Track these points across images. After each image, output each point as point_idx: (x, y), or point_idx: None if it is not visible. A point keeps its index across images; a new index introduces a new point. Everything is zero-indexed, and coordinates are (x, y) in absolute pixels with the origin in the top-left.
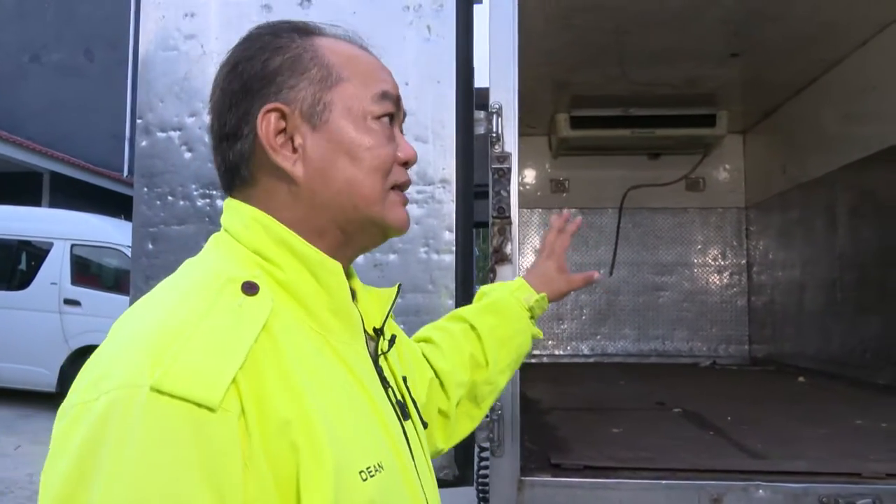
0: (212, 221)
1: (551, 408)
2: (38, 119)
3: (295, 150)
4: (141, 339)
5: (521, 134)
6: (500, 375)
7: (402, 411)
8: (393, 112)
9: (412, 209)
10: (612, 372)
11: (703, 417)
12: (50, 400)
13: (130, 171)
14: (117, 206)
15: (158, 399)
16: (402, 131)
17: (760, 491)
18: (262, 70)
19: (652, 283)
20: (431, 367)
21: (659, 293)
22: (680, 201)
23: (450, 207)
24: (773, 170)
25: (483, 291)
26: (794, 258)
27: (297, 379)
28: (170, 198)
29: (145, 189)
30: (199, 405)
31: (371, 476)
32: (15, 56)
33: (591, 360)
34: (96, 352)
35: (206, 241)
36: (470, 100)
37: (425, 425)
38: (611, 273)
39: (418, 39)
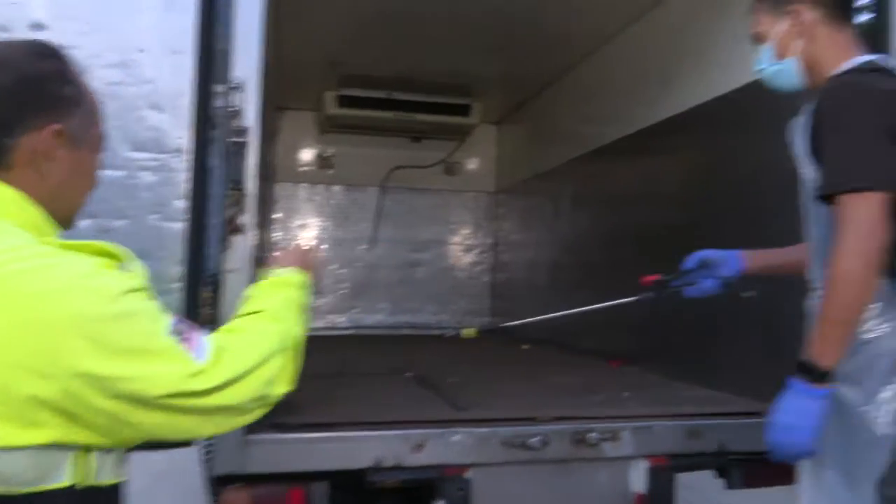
0: None
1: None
2: None
3: None
4: None
5: (287, 108)
6: None
7: None
8: None
9: (146, 176)
10: (364, 343)
11: (428, 380)
12: None
13: None
14: None
15: None
16: None
17: (457, 436)
18: None
19: (409, 260)
20: None
21: (415, 269)
22: (438, 183)
23: (182, 177)
24: (518, 159)
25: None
26: (529, 240)
27: None
28: None
29: None
30: None
31: None
32: None
33: (350, 332)
34: None
35: None
36: (210, 72)
37: None
38: (370, 248)
39: (159, 8)
